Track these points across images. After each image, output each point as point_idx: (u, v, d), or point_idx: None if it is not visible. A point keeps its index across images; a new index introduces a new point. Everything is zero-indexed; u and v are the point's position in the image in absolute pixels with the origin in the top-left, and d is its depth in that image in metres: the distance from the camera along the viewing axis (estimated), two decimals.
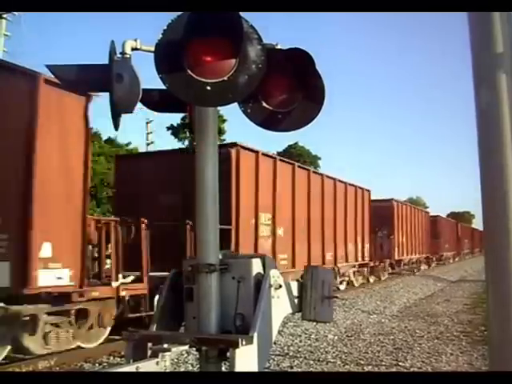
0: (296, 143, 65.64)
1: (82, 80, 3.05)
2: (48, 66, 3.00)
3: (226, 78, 2.79)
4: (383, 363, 9.22)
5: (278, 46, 3.18)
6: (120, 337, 10.56)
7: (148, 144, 41.80)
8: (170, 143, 40.73)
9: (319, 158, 68.00)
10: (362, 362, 9.30)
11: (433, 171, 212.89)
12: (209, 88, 2.77)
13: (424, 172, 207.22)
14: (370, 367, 8.90)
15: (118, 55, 2.87)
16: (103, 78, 2.87)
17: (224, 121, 41.12)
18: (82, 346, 9.44)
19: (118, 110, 2.96)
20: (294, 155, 62.72)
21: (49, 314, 8.58)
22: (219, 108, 3.33)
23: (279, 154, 62.93)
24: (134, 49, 2.93)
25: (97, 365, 9.04)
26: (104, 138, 35.12)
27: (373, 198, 25.61)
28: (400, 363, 9.19)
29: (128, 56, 2.89)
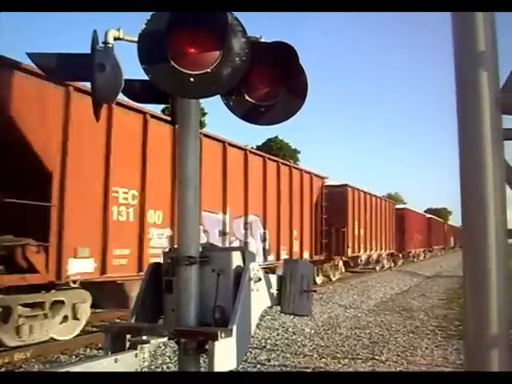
0: (276, 137, 65.80)
1: (63, 69, 3.01)
2: (29, 55, 2.96)
3: (209, 70, 2.78)
4: (359, 357, 9.30)
5: (262, 40, 3.17)
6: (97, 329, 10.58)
7: None
8: None
9: (299, 152, 68.30)
10: (339, 356, 9.37)
11: (411, 168, 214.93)
12: (192, 80, 2.76)
13: (403, 169, 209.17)
14: (346, 360, 8.98)
15: (101, 45, 2.84)
16: (85, 68, 2.84)
17: (204, 114, 40.97)
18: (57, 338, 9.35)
19: (100, 100, 2.94)
20: (274, 149, 62.83)
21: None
22: (201, 100, 3.32)
23: (258, 147, 63.11)
24: (116, 38, 2.90)
25: (73, 357, 8.98)
26: None
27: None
28: (376, 357, 9.29)
29: (110, 46, 2.87)
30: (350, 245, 24.60)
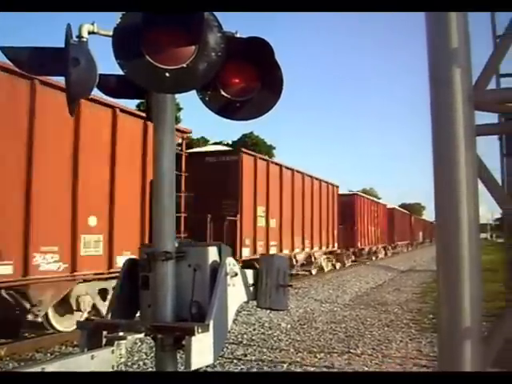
0: (251, 132, 65.81)
1: (37, 63, 2.97)
2: (1, 48, 2.91)
3: (185, 65, 2.76)
4: (335, 351, 9.38)
5: (238, 35, 3.17)
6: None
7: None
8: None
9: (274, 148, 68.45)
10: (315, 350, 9.44)
11: (385, 163, 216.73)
12: (167, 75, 2.75)
13: (377, 164, 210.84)
14: (322, 354, 9.05)
15: (75, 39, 2.81)
16: (59, 62, 2.80)
17: (180, 109, 40.75)
18: None
19: (74, 95, 2.90)
20: (249, 144, 62.83)
21: None
22: (176, 96, 3.31)
23: (233, 143, 63.07)
24: (90, 33, 2.87)
25: (48, 354, 8.90)
26: None
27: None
28: (351, 350, 9.38)
29: (85, 40, 2.83)
30: (359, 240, 32.59)
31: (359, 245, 33.01)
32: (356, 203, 32.84)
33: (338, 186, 27.92)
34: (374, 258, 37.45)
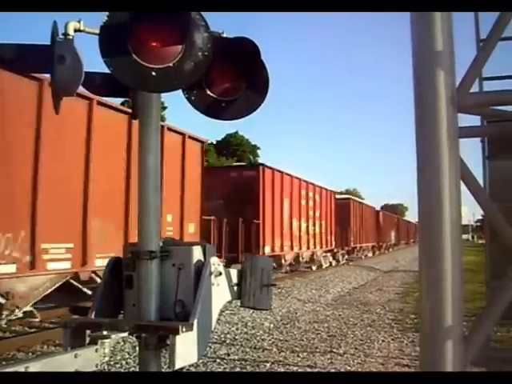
0: (236, 132, 65.74)
1: (23, 60, 2.95)
2: None
3: (171, 64, 2.76)
4: (318, 350, 9.42)
5: (224, 35, 3.18)
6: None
7: None
8: None
9: (258, 148, 68.46)
10: (298, 349, 9.47)
11: (368, 163, 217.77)
12: (154, 74, 2.74)
13: (359, 164, 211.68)
14: (305, 354, 9.08)
15: (61, 36, 2.80)
16: (45, 59, 2.79)
17: (164, 108, 40.60)
18: None
19: (59, 93, 2.89)
20: (234, 144, 62.88)
21: None
22: (162, 95, 3.30)
23: (218, 142, 63.03)
24: (77, 30, 2.86)
25: (30, 354, 8.82)
26: None
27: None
28: (334, 350, 9.43)
29: (71, 37, 2.82)
30: (352, 239, 35.69)
31: (352, 244, 36.08)
32: (350, 206, 36.18)
33: (334, 192, 31.79)
34: (363, 257, 40.60)
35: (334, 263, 31.59)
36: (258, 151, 67.07)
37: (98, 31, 2.70)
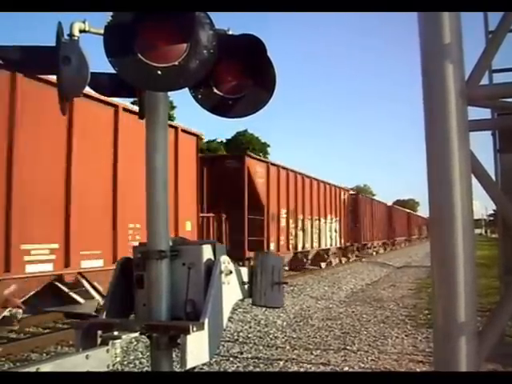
0: (245, 130, 65.78)
1: (28, 62, 2.95)
2: None
3: (176, 63, 2.75)
4: (331, 347, 9.39)
5: (230, 32, 3.16)
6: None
7: None
8: None
9: (268, 146, 68.46)
10: (311, 347, 9.45)
11: (379, 159, 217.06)
12: (159, 73, 2.73)
13: (371, 160, 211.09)
14: (318, 351, 9.06)
15: (66, 37, 2.79)
16: (50, 61, 2.78)
17: (173, 107, 40.67)
18: None
19: (66, 94, 2.89)
20: (243, 142, 62.86)
21: None
22: (170, 94, 3.29)
23: (228, 141, 63.07)
24: (82, 31, 2.85)
25: (44, 354, 8.87)
26: None
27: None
28: (348, 347, 9.39)
29: (76, 38, 2.81)
30: (362, 236, 35.48)
31: (363, 240, 35.96)
32: (361, 203, 36.04)
33: (348, 190, 32.83)
34: (374, 253, 39.95)
35: (343, 260, 31.12)
36: (268, 149, 67.10)
37: (102, 31, 2.69)
